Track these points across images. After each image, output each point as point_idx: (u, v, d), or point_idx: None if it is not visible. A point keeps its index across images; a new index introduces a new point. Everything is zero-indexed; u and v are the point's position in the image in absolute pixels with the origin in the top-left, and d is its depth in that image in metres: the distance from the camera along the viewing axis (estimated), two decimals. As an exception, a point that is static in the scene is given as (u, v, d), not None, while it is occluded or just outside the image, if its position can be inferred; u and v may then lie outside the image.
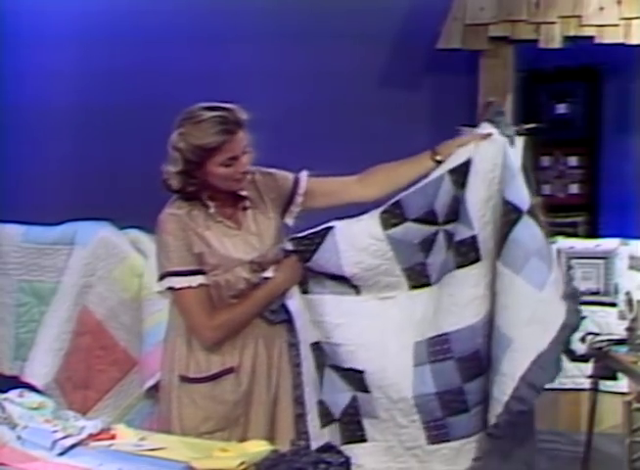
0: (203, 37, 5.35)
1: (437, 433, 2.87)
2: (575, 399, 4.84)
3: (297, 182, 3.02)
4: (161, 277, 2.83)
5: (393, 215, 2.88)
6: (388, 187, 2.98)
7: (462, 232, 2.83)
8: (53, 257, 3.59)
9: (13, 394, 2.75)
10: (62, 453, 2.47)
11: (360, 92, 5.16)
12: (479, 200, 2.81)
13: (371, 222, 2.89)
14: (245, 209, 2.93)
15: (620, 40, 4.78)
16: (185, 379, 2.88)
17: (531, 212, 2.82)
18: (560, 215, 5.61)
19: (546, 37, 4.90)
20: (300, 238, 2.92)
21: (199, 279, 2.81)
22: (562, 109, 5.84)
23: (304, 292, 2.94)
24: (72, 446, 2.50)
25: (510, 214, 2.78)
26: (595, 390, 4.25)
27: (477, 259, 2.81)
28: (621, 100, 5.70)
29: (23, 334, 3.58)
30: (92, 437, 2.56)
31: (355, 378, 2.90)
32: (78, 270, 3.52)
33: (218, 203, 2.88)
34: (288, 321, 2.91)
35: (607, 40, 4.83)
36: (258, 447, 2.45)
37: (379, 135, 5.02)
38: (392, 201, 2.90)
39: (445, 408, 2.85)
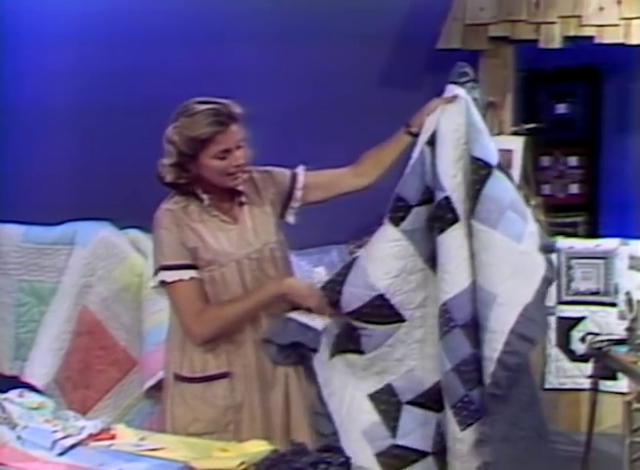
0: (202, 37, 5.35)
1: (467, 413, 2.79)
2: (575, 399, 4.84)
3: (294, 177, 3.05)
4: (155, 272, 2.84)
5: (399, 209, 2.86)
6: (377, 171, 3.03)
7: (437, 196, 2.82)
8: (53, 257, 3.59)
9: (13, 394, 2.75)
10: (62, 453, 2.47)
11: (360, 92, 5.15)
12: (447, 161, 2.80)
13: (384, 229, 2.89)
14: (241, 204, 2.94)
15: (620, 40, 4.78)
16: (178, 378, 2.88)
17: (500, 167, 2.81)
18: (560, 215, 5.61)
19: (546, 37, 4.90)
20: (330, 280, 2.90)
21: (191, 273, 2.81)
22: (562, 109, 5.84)
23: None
24: (72, 446, 2.50)
25: (480, 171, 2.77)
26: (595, 390, 4.25)
27: (455, 220, 2.79)
28: (621, 100, 5.71)
29: (23, 334, 3.58)
30: (92, 437, 2.56)
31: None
32: (78, 270, 3.52)
33: (214, 197, 2.89)
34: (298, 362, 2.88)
35: (607, 40, 4.83)
36: (258, 447, 2.45)
37: (379, 135, 4.99)
38: (393, 197, 2.89)
39: (466, 382, 2.78)
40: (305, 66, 5.13)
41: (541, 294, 2.78)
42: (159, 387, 3.20)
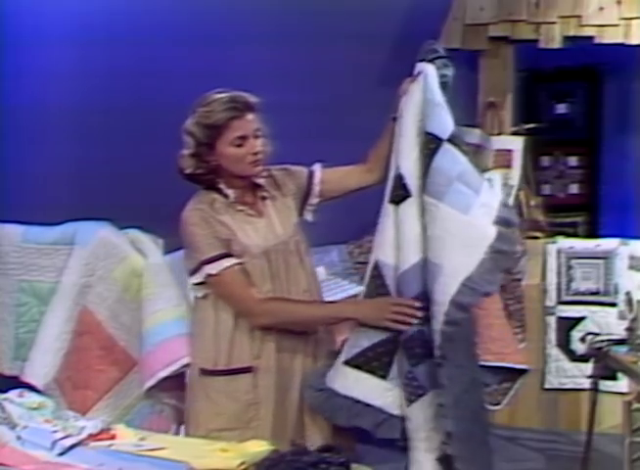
0: (202, 38, 5.35)
1: (411, 389, 2.79)
2: (575, 400, 4.85)
3: (311, 174, 3.08)
4: (195, 270, 2.87)
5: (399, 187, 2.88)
6: (381, 164, 3.03)
7: (393, 173, 2.86)
8: (53, 257, 3.59)
9: (13, 394, 2.75)
10: (62, 453, 2.47)
11: (360, 92, 5.16)
12: (405, 138, 2.83)
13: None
14: (264, 198, 2.97)
15: (620, 40, 4.79)
16: (203, 372, 2.90)
17: (452, 141, 2.79)
18: (560, 215, 5.62)
19: (546, 37, 4.91)
20: None
21: (233, 260, 2.84)
22: (562, 109, 5.85)
23: None
24: (72, 447, 2.50)
25: (430, 145, 2.77)
26: (595, 390, 4.25)
27: (406, 196, 2.80)
28: (621, 100, 5.71)
29: (23, 334, 3.57)
30: (92, 437, 2.56)
31: None
32: (78, 270, 3.51)
33: (238, 192, 2.92)
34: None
35: (607, 40, 4.84)
36: (259, 447, 2.45)
37: (378, 135, 5.02)
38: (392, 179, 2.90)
39: (410, 358, 2.78)
40: (305, 66, 5.14)
41: (488, 264, 2.73)
42: (159, 387, 3.20)
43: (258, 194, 2.97)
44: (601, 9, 4.80)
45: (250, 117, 2.88)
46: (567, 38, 4.92)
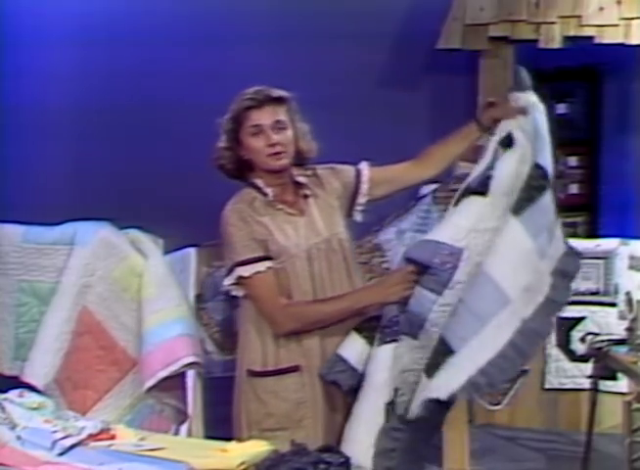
0: (202, 38, 5.36)
1: (389, 331, 2.83)
2: (575, 400, 4.85)
3: (359, 173, 3.09)
4: (230, 270, 2.89)
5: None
6: (444, 163, 3.10)
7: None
8: (53, 257, 3.58)
9: (13, 394, 2.75)
10: (61, 453, 2.47)
11: (360, 92, 5.17)
12: (508, 174, 2.88)
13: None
14: (306, 196, 2.98)
15: (620, 40, 4.80)
16: (251, 373, 2.92)
17: (553, 184, 2.86)
18: (560, 215, 5.61)
19: (546, 37, 4.92)
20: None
21: (266, 264, 2.86)
22: (562, 109, 5.85)
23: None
24: (72, 447, 2.50)
25: (539, 180, 2.81)
26: (595, 390, 4.25)
27: (483, 193, 2.85)
28: (621, 100, 5.71)
29: (23, 334, 3.57)
30: (92, 437, 2.56)
31: None
32: (78, 270, 3.51)
33: (276, 189, 2.94)
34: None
35: (607, 40, 4.85)
36: (258, 448, 2.46)
37: (378, 135, 5.03)
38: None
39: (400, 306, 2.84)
40: (306, 65, 5.14)
41: (541, 310, 2.75)
42: (159, 387, 3.20)
43: (300, 192, 2.98)
44: (601, 9, 4.81)
45: (268, 108, 2.91)
46: (567, 38, 4.92)
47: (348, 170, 3.09)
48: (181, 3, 5.41)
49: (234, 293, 2.97)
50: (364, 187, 3.07)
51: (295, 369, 2.88)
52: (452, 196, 4.63)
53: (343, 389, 2.86)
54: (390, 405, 2.78)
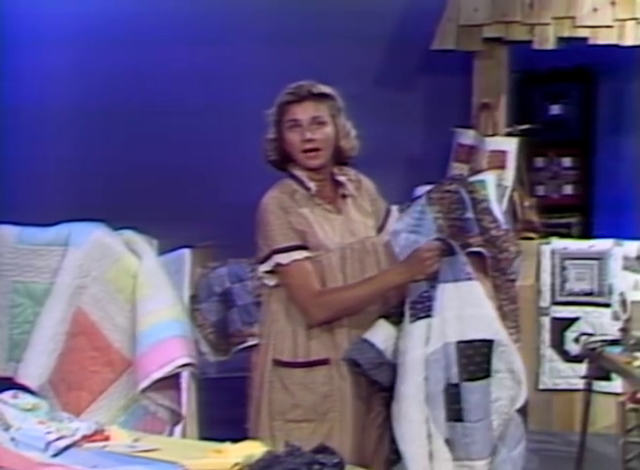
0: (199, 38, 5.36)
1: (421, 306, 2.85)
2: (569, 400, 4.86)
3: (389, 212, 3.11)
4: (267, 257, 2.89)
5: None
6: None
7: None
8: (47, 257, 3.58)
9: (7, 395, 2.74)
10: (55, 455, 2.46)
11: (355, 92, 5.14)
12: None
13: None
14: (344, 196, 2.99)
15: (614, 41, 4.80)
16: (279, 363, 2.91)
17: None
18: (554, 216, 5.63)
19: (540, 38, 4.92)
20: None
21: (304, 253, 2.86)
22: (556, 110, 5.86)
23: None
24: (66, 448, 2.49)
25: None
26: (589, 390, 4.26)
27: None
28: (615, 101, 5.73)
29: (18, 335, 3.56)
30: (86, 438, 2.55)
31: None
32: (72, 271, 3.50)
33: (317, 185, 2.94)
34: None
35: (600, 41, 4.85)
36: (253, 449, 2.45)
37: (373, 135, 5.01)
38: None
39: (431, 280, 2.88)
40: (300, 65, 5.13)
41: None
42: (153, 388, 3.20)
43: (339, 191, 2.99)
44: (595, 10, 4.81)
45: (309, 104, 2.91)
46: (561, 39, 4.93)
47: (382, 201, 3.11)
48: (181, 3, 5.41)
49: (266, 281, 2.96)
50: (390, 227, 3.08)
51: (324, 362, 2.88)
52: (446, 197, 4.68)
53: (361, 365, 2.86)
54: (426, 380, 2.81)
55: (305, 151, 2.91)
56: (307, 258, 2.87)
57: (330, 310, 2.87)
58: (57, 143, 5.47)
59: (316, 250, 2.88)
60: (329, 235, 2.91)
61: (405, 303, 2.88)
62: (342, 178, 2.99)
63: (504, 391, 2.87)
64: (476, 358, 2.85)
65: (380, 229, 3.06)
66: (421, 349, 2.82)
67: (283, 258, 2.87)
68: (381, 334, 2.89)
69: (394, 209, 3.14)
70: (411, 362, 2.82)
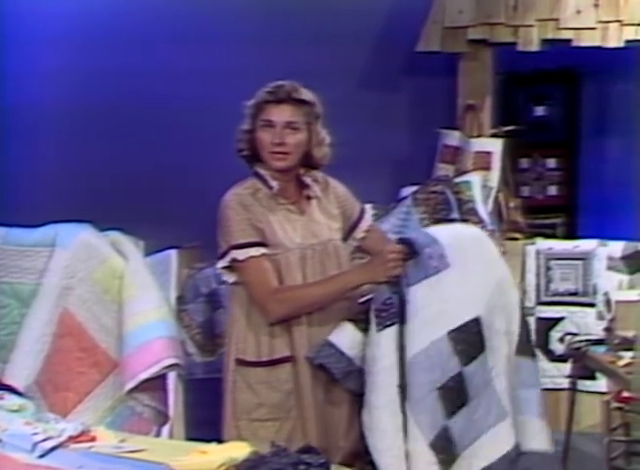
0: (187, 37, 5.36)
1: (385, 315, 2.84)
2: (554, 399, 4.86)
3: (363, 211, 3.10)
4: (224, 253, 2.89)
5: None
6: None
7: None
8: (34, 258, 3.58)
9: (-7, 396, 2.75)
10: (42, 456, 2.46)
11: (340, 93, 5.16)
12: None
13: None
14: (309, 198, 2.98)
15: (598, 43, 4.83)
16: (242, 362, 2.90)
17: None
18: (539, 217, 5.65)
19: (524, 40, 4.94)
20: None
21: (261, 250, 2.86)
22: (540, 111, 5.89)
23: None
24: (53, 449, 2.49)
25: None
26: (574, 389, 4.28)
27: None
28: (599, 102, 5.76)
29: (4, 336, 3.56)
30: (72, 439, 2.56)
31: None
32: (59, 272, 3.50)
33: (282, 185, 2.94)
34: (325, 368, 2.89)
35: (584, 43, 4.88)
36: (239, 449, 2.46)
37: (358, 136, 5.04)
38: None
39: (392, 286, 2.86)
40: (285, 65, 5.14)
41: None
42: (139, 389, 3.20)
43: (304, 193, 2.98)
44: (578, 12, 4.84)
45: (286, 107, 2.90)
46: (545, 41, 4.95)
47: (355, 202, 3.09)
48: (179, 4, 5.41)
49: (225, 278, 2.96)
50: (364, 225, 3.08)
51: (287, 359, 2.88)
52: (432, 198, 4.68)
53: (332, 372, 2.87)
54: (401, 388, 2.80)
55: (274, 152, 2.90)
56: (264, 254, 2.86)
57: (287, 307, 2.85)
58: (40, 144, 5.47)
59: (275, 248, 2.87)
60: (289, 235, 2.90)
61: (370, 309, 2.87)
62: (307, 180, 2.97)
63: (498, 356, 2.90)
64: (470, 339, 2.87)
65: (352, 229, 3.06)
66: (390, 357, 2.81)
67: (239, 254, 2.86)
68: (348, 339, 2.88)
69: (368, 208, 3.13)
70: (381, 372, 2.81)
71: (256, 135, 2.93)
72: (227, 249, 2.88)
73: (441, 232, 3.01)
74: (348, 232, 3.06)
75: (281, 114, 2.90)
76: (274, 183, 2.93)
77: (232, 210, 2.89)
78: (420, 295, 2.85)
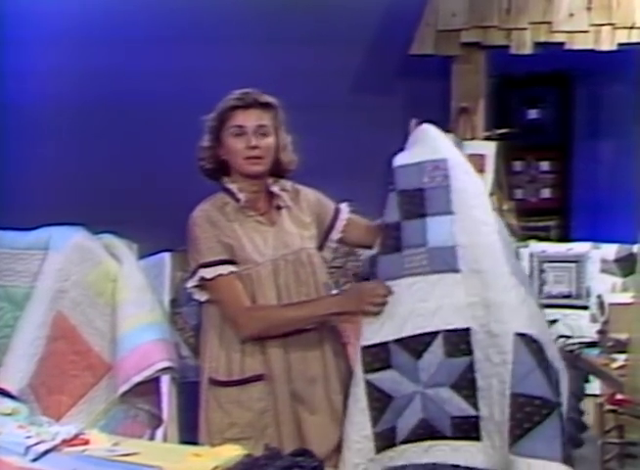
0: (178, 37, 5.36)
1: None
2: (548, 402, 4.87)
3: (338, 210, 3.06)
4: (194, 273, 2.86)
5: None
6: None
7: None
8: (27, 261, 3.58)
9: (-14, 400, 2.75)
10: (35, 459, 2.47)
11: (333, 96, 5.18)
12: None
13: None
14: (279, 208, 2.95)
15: (590, 46, 4.83)
16: (214, 382, 2.89)
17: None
18: (532, 219, 5.66)
19: (517, 43, 4.95)
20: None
21: (230, 268, 2.83)
22: (533, 114, 5.90)
23: None
24: (46, 452, 2.50)
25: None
26: (567, 392, 4.28)
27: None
28: (592, 105, 5.77)
29: (-2, 340, 3.57)
30: (66, 442, 2.56)
31: None
32: (52, 275, 3.50)
33: (249, 196, 2.92)
34: None
35: (577, 46, 4.88)
36: (232, 452, 2.47)
37: (351, 139, 5.05)
38: None
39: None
40: (279, 67, 5.15)
41: None
42: (133, 392, 3.20)
43: (273, 202, 2.95)
44: (571, 15, 4.84)
45: (254, 112, 2.90)
46: (537, 44, 4.95)
47: (328, 204, 3.06)
48: (179, 4, 5.41)
49: (197, 296, 2.94)
50: (340, 224, 3.04)
51: (259, 378, 2.85)
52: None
53: None
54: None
55: (249, 158, 2.88)
56: (232, 272, 2.83)
57: (259, 326, 2.82)
58: (33, 146, 5.46)
59: (244, 263, 2.85)
60: (259, 248, 2.87)
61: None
62: (275, 189, 2.95)
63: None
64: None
65: (329, 231, 3.03)
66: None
67: (208, 273, 2.83)
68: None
69: (345, 206, 3.08)
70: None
71: (226, 144, 2.90)
72: (196, 267, 2.86)
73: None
74: (325, 235, 3.04)
75: (250, 118, 2.89)
76: (241, 195, 2.91)
77: (199, 227, 2.86)
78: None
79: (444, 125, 5.22)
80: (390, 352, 2.74)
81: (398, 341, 2.74)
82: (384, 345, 2.74)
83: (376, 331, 2.76)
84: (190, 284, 2.91)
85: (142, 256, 3.70)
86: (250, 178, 2.93)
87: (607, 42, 4.80)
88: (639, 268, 3.48)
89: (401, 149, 3.06)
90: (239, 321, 2.84)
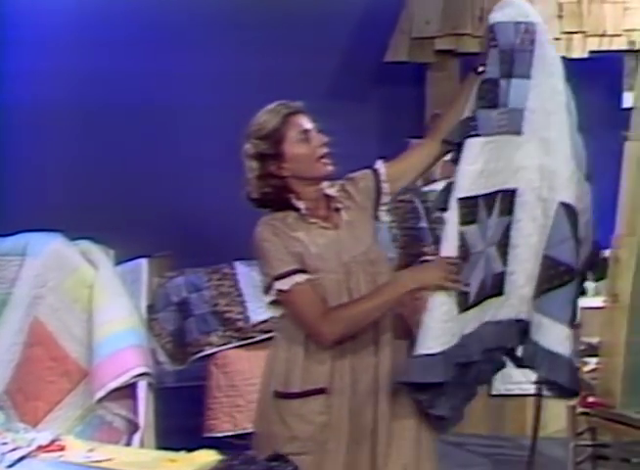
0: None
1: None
2: (521, 405, 4.92)
3: (377, 173, 2.94)
4: (269, 287, 2.78)
5: None
6: (451, 124, 2.91)
7: None
8: (4, 268, 3.59)
9: (-37, 407, 2.75)
10: (10, 466, 2.47)
11: (308, 101, 5.21)
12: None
13: None
14: (337, 210, 2.86)
15: (562, 54, 4.86)
16: (278, 395, 2.80)
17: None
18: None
19: (490, 51, 4.99)
20: None
21: (305, 276, 2.74)
22: (507, 120, 5.94)
23: None
24: (21, 459, 2.50)
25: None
26: (540, 395, 4.32)
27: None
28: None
29: (-25, 346, 3.57)
30: (42, 448, 2.57)
31: None
32: (29, 281, 3.51)
33: (309, 203, 2.82)
34: None
35: (549, 54, 4.93)
36: (207, 457, 2.48)
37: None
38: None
39: None
40: (255, 73, 5.18)
41: None
42: (109, 398, 3.22)
43: (332, 206, 2.85)
44: (543, 23, 4.90)
45: (304, 115, 2.81)
46: (510, 51, 5.00)
47: (365, 175, 2.95)
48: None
49: (272, 312, 2.89)
50: (385, 186, 2.92)
51: (321, 391, 2.76)
52: (400, 206, 4.66)
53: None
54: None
55: (322, 157, 2.78)
56: (309, 280, 2.75)
57: (342, 327, 2.74)
58: (10, 151, 5.46)
59: (316, 271, 2.76)
60: (328, 253, 2.79)
61: None
62: (332, 192, 2.85)
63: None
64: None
65: (378, 196, 2.92)
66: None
67: (284, 284, 2.74)
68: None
69: (380, 165, 2.95)
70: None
71: (290, 155, 2.77)
72: (270, 282, 2.77)
73: None
74: (376, 203, 2.93)
75: (307, 121, 2.81)
76: (300, 203, 2.80)
77: (266, 241, 2.76)
78: None
79: (419, 132, 5.28)
80: (478, 207, 2.78)
81: (484, 196, 2.79)
82: (474, 198, 2.77)
83: (472, 182, 2.77)
84: (268, 299, 2.81)
85: (119, 261, 3.71)
86: (313, 184, 2.82)
87: (578, 50, 4.86)
88: (610, 273, 3.50)
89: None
90: (321, 328, 2.75)
